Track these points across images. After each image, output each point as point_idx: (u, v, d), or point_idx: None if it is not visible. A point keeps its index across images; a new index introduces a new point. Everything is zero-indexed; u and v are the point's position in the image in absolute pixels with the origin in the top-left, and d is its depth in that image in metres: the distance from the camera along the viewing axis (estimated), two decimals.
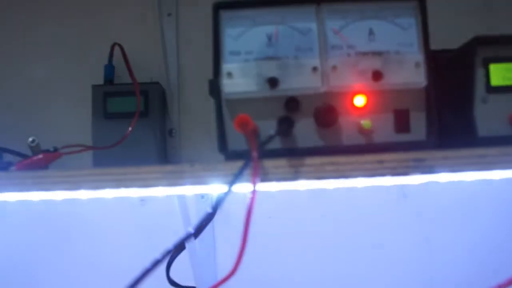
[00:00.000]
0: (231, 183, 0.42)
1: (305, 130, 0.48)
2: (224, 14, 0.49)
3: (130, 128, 0.64)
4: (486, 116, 0.50)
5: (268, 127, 0.47)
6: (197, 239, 0.72)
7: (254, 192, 0.40)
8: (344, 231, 0.82)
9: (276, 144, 0.48)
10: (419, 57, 0.48)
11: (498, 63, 0.51)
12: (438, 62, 0.59)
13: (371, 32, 0.48)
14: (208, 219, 0.38)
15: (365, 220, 0.82)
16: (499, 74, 0.51)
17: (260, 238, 0.78)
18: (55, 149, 0.57)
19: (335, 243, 0.82)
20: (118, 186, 0.47)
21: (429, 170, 0.45)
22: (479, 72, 0.51)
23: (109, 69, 0.78)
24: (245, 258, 0.39)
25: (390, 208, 0.82)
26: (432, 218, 0.83)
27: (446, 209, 0.83)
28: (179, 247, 0.67)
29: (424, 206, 0.83)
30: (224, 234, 0.79)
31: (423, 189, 0.80)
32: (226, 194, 0.41)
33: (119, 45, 0.77)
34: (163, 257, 0.39)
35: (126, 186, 0.47)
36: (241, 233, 0.39)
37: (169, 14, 0.77)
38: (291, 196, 0.78)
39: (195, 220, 0.71)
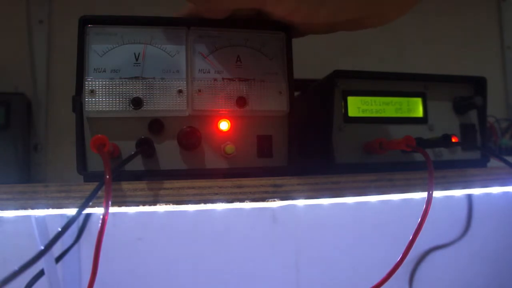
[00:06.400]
0: (82, 206, 0.40)
1: (169, 153, 0.47)
2: (91, 30, 0.47)
3: None
4: (343, 144, 0.54)
5: (131, 148, 0.46)
6: (60, 263, 0.68)
7: (106, 214, 0.38)
8: None
9: (138, 166, 0.47)
10: (283, 85, 0.50)
11: (355, 96, 0.55)
12: (303, 90, 0.62)
13: (238, 59, 0.49)
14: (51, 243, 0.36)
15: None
16: (355, 105, 0.55)
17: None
18: None
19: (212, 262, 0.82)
20: None
21: (286, 196, 0.47)
22: (338, 103, 0.54)
23: None
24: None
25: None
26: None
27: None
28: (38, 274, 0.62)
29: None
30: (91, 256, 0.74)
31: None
32: (75, 217, 0.39)
33: None
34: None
35: None
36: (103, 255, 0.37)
37: (40, 21, 0.72)
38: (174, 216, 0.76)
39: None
